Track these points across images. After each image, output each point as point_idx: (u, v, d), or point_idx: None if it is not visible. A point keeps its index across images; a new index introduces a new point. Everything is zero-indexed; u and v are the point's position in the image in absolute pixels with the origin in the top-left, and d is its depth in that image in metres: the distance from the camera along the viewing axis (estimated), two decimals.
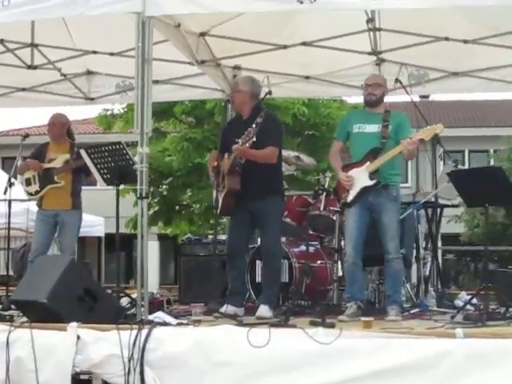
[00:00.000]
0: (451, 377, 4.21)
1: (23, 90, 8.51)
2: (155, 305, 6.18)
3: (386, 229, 5.90)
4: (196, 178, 15.12)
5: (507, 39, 7.09)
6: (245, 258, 6.52)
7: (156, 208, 16.26)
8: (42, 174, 7.20)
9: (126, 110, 15.55)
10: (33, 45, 7.67)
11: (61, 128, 7.31)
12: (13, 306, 5.77)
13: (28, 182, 7.31)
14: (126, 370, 4.53)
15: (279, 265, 6.36)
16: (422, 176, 19.38)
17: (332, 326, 4.72)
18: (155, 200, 15.98)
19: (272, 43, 7.54)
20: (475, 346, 4.27)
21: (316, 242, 7.38)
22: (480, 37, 7.16)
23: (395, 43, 7.48)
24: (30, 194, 7.36)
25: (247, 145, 5.76)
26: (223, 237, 8.22)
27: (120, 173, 6.03)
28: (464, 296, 6.73)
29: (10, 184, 7.37)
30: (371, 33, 7.22)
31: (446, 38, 7.23)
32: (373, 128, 6.01)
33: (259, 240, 6.63)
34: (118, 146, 6.01)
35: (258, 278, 6.91)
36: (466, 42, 7.23)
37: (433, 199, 7.12)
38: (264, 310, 5.89)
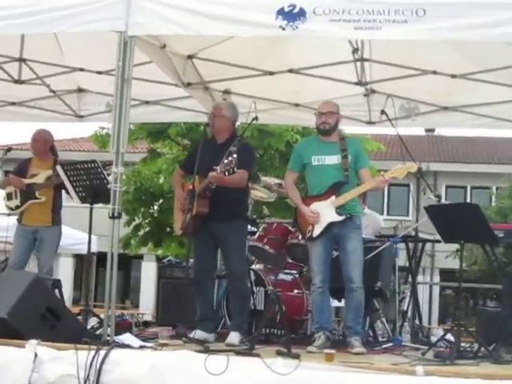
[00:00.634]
0: None
1: (13, 104, 8.47)
2: (123, 326, 6.12)
3: (350, 256, 5.79)
4: None
5: (498, 76, 7.05)
6: (212, 282, 6.44)
7: (147, 229, 16.24)
8: (24, 189, 7.16)
9: None
10: (21, 59, 7.65)
11: (43, 144, 7.29)
12: None
13: (9, 197, 7.26)
14: None
15: (246, 289, 6.30)
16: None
17: (297, 356, 4.64)
18: (146, 221, 15.95)
19: (259, 69, 7.50)
20: None
21: (295, 271, 7.30)
22: (469, 72, 7.13)
23: (384, 75, 7.45)
24: (10, 208, 7.30)
25: (227, 173, 5.67)
26: None
27: (94, 191, 6.01)
28: (440, 332, 6.66)
29: None
30: (358, 63, 7.18)
31: (434, 72, 7.20)
32: (332, 159, 5.93)
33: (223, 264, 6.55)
34: (93, 165, 5.99)
35: None
36: (454, 76, 7.19)
37: (413, 233, 7.06)
38: (234, 337, 5.83)
